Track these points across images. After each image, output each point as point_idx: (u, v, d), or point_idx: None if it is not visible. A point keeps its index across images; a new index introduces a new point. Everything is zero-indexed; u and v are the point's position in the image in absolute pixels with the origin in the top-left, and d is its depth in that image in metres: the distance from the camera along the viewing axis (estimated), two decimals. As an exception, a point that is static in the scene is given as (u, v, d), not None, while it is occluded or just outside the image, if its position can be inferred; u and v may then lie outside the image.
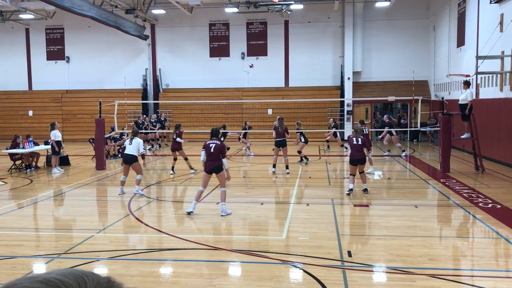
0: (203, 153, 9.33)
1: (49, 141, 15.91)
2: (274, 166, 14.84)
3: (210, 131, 9.63)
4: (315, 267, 6.17)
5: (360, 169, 11.16)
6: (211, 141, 9.33)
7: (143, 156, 11.45)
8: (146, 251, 7.12)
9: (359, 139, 11.03)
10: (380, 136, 15.20)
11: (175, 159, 14.89)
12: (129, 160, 11.27)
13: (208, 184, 9.59)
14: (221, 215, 9.18)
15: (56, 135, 15.48)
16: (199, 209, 10.08)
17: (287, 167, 14.56)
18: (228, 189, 11.95)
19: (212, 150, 9.18)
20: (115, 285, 0.77)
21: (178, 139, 14.48)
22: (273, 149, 15.20)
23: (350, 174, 11.28)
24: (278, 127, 14.57)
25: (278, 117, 15.25)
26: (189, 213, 9.30)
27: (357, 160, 11.01)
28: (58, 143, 15.56)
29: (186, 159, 14.70)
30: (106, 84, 28.54)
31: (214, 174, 9.37)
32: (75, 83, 29.12)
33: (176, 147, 14.60)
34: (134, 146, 11.23)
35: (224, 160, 9.30)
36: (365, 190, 11.20)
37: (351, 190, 11.10)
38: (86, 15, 19.74)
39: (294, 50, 27.33)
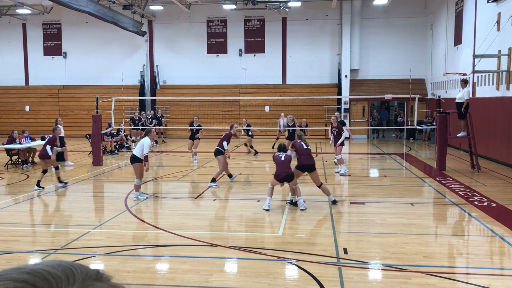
0: (294, 154, 9.97)
1: (46, 136, 15.91)
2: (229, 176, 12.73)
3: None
4: (311, 264, 6.20)
5: (316, 180, 9.88)
6: (280, 154, 9.75)
7: (145, 157, 10.23)
8: (143, 247, 7.13)
9: (307, 144, 10.13)
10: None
11: (43, 171, 11.89)
12: (131, 160, 10.48)
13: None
14: (301, 209, 9.38)
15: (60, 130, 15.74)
16: (196, 206, 10.09)
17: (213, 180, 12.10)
18: (224, 186, 12.00)
19: (283, 159, 9.58)
20: (103, 277, 0.76)
21: (48, 148, 11.91)
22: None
23: (290, 183, 9.72)
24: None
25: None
26: (267, 210, 9.41)
27: (308, 166, 9.81)
28: (61, 138, 15.75)
29: (57, 168, 12.18)
30: (103, 80, 28.46)
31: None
32: (72, 78, 29.03)
33: (43, 155, 11.95)
34: (138, 146, 10.41)
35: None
36: (334, 202, 9.92)
37: (292, 203, 9.85)
38: (83, 11, 19.67)
39: (291, 48, 27.32)
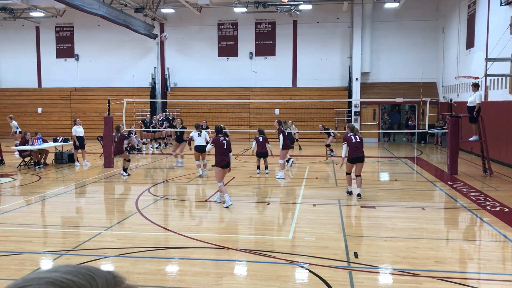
0: (210, 146, 10.11)
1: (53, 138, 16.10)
2: (258, 167, 14.60)
3: (215, 129, 10.28)
4: (321, 268, 6.18)
5: (358, 170, 10.82)
6: (222, 138, 9.98)
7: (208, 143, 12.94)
8: (153, 249, 7.16)
9: (357, 136, 10.72)
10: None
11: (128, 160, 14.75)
12: (202, 149, 13.33)
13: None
14: (218, 202, 10.13)
15: (77, 130, 16.51)
16: (206, 208, 10.11)
17: (266, 167, 14.53)
18: (234, 189, 12.03)
19: (225, 147, 9.88)
20: (120, 280, 0.77)
21: (125, 142, 15.11)
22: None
23: (347, 173, 11.10)
24: (259, 138, 14.16)
25: (259, 129, 14.61)
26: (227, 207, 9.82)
27: (357, 158, 10.67)
28: (80, 138, 16.50)
29: (129, 160, 14.73)
30: (115, 82, 28.69)
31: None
32: (84, 81, 29.29)
33: (117, 151, 14.76)
34: (203, 138, 13.56)
35: (231, 154, 10.23)
36: (359, 195, 10.81)
37: (350, 192, 11.14)
38: (95, 14, 19.84)
39: (302, 51, 27.31)
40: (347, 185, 11.28)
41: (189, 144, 14.55)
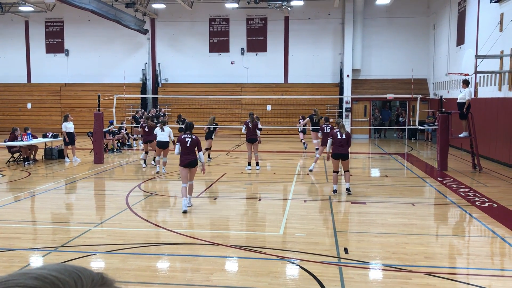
0: (177, 146, 9.27)
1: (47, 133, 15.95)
2: (249, 164, 14.79)
3: (184, 125, 9.72)
4: (311, 264, 6.20)
5: (345, 167, 10.77)
6: (186, 136, 9.34)
7: (174, 142, 12.35)
8: (144, 246, 7.14)
9: (343, 134, 10.67)
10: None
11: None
12: (163, 145, 13.53)
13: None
14: (188, 207, 9.24)
15: (67, 126, 16.30)
16: (197, 204, 10.10)
17: (257, 164, 14.68)
18: (226, 185, 12.02)
19: (188, 145, 9.21)
20: (108, 281, 0.76)
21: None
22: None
23: (334, 172, 10.86)
24: (249, 123, 14.35)
25: (249, 112, 15.05)
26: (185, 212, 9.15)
27: (340, 155, 10.59)
28: (70, 134, 16.26)
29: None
30: (105, 77, 28.49)
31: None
32: (74, 76, 29.06)
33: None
34: (166, 134, 13.47)
35: (200, 154, 9.38)
36: (348, 190, 10.81)
37: (335, 191, 10.83)
38: (86, 8, 19.69)
39: (294, 47, 27.30)
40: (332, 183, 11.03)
41: (154, 139, 14.08)
